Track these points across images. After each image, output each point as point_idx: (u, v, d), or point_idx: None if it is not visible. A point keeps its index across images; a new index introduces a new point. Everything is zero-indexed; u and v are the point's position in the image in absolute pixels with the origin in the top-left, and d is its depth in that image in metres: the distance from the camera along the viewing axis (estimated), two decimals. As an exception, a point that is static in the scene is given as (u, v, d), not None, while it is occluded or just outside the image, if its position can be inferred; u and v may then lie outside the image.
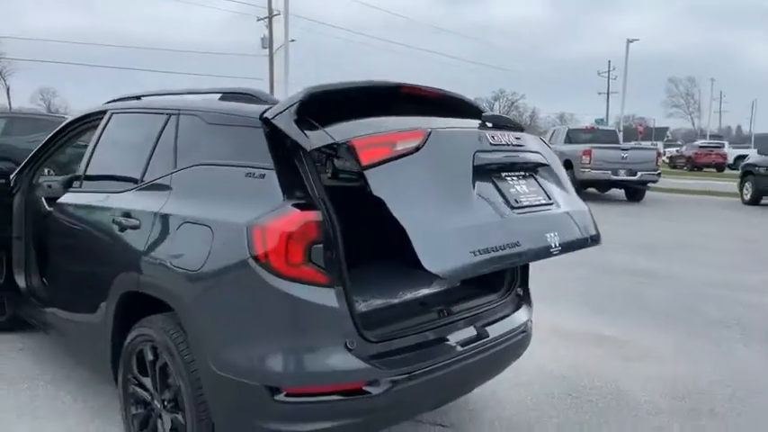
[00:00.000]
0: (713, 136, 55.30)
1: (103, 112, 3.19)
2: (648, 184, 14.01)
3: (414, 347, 2.18)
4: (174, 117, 2.62)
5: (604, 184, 14.16)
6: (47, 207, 3.85)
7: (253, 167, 2.14)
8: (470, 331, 2.43)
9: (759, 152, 14.62)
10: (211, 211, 2.17)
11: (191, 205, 2.28)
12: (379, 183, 1.96)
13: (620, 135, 16.78)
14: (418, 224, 1.94)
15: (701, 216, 12.03)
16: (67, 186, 3.96)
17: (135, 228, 2.47)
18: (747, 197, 14.19)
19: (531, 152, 2.60)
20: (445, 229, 2.03)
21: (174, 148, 2.53)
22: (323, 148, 2.12)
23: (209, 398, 2.11)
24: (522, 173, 2.50)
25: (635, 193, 14.19)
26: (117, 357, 2.61)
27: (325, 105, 2.15)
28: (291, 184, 2.04)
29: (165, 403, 2.36)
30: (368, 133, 2.06)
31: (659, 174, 14.15)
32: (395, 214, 1.92)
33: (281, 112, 2.14)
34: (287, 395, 1.96)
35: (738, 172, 15.22)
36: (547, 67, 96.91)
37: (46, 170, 4.17)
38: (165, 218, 2.35)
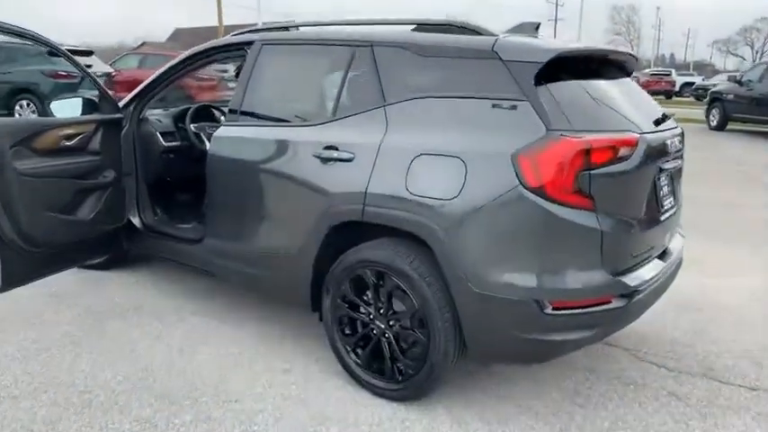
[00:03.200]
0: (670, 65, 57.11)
1: (247, 44, 3.15)
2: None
3: (634, 268, 2.42)
4: (365, 49, 2.66)
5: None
6: (163, 143, 3.81)
7: (498, 99, 2.26)
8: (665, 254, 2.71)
9: (728, 79, 15.31)
10: (457, 143, 2.29)
11: (422, 137, 2.38)
12: (597, 182, 2.16)
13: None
14: (611, 227, 2.22)
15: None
16: (179, 121, 3.96)
17: (347, 160, 2.55)
18: (714, 123, 14.99)
19: (681, 156, 2.83)
20: (626, 234, 2.31)
21: (378, 81, 2.58)
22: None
23: (464, 315, 2.30)
24: (668, 176, 2.70)
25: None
26: (318, 284, 2.75)
27: (554, 62, 2.27)
28: (547, 114, 2.18)
29: (392, 323, 2.54)
30: (599, 131, 2.22)
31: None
32: (597, 214, 2.18)
33: (521, 62, 2.26)
34: (553, 309, 2.19)
35: (686, 99, 15.77)
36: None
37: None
38: (390, 150, 2.45)
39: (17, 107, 11.16)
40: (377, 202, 2.45)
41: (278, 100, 3.06)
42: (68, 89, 10.80)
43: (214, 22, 31.52)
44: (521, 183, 2.14)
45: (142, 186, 3.78)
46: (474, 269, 2.24)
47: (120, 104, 3.70)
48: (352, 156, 2.55)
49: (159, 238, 3.63)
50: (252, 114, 3.05)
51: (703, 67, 67.63)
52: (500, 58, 2.30)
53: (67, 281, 3.85)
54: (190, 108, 3.99)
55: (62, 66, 11.13)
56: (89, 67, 11.85)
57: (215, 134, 3.14)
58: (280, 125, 2.94)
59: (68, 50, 11.15)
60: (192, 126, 3.88)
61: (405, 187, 2.37)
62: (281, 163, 2.82)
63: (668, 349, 3.16)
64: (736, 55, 77.45)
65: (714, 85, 18.29)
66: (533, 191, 2.13)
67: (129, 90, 3.88)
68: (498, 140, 2.21)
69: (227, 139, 3.07)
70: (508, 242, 2.20)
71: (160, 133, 3.81)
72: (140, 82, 3.80)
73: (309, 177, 2.69)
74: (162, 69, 3.61)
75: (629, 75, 2.93)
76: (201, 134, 3.87)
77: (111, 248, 3.78)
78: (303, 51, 2.98)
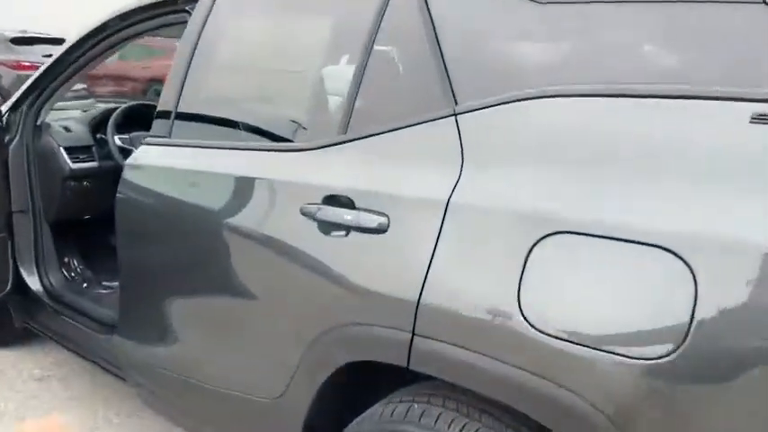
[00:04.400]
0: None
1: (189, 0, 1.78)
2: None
3: None
4: (409, -4, 1.29)
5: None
6: (70, 163, 2.46)
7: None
8: None
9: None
10: (662, 213, 0.92)
11: (558, 192, 1.02)
12: None
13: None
14: None
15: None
16: (99, 129, 2.63)
17: (374, 231, 1.18)
18: None
19: None
20: None
21: (439, 60, 1.20)
22: None
23: None
24: None
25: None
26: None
27: None
28: None
29: None
30: None
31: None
32: None
33: None
34: None
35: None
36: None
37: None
38: (475, 215, 1.08)
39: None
40: (442, 330, 1.08)
41: (239, 99, 1.70)
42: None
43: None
44: None
45: (43, 230, 2.45)
46: None
47: (5, 106, 2.37)
48: (383, 221, 1.17)
49: (62, 313, 2.29)
50: (193, 121, 1.68)
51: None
52: None
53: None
54: (116, 109, 2.61)
55: (26, 55, 9.73)
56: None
57: (129, 159, 1.78)
58: (241, 147, 1.56)
59: (37, 38, 9.59)
60: (116, 138, 2.50)
61: (517, 307, 1.00)
62: (240, 222, 1.44)
63: None
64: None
65: None
66: None
67: (103, 85, 2.54)
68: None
69: (150, 169, 1.69)
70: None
71: (66, 148, 2.43)
72: (116, 76, 2.48)
73: (294, 256, 1.31)
74: (63, 49, 2.24)
75: None
76: (133, 149, 2.50)
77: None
78: (286, 6, 1.59)
